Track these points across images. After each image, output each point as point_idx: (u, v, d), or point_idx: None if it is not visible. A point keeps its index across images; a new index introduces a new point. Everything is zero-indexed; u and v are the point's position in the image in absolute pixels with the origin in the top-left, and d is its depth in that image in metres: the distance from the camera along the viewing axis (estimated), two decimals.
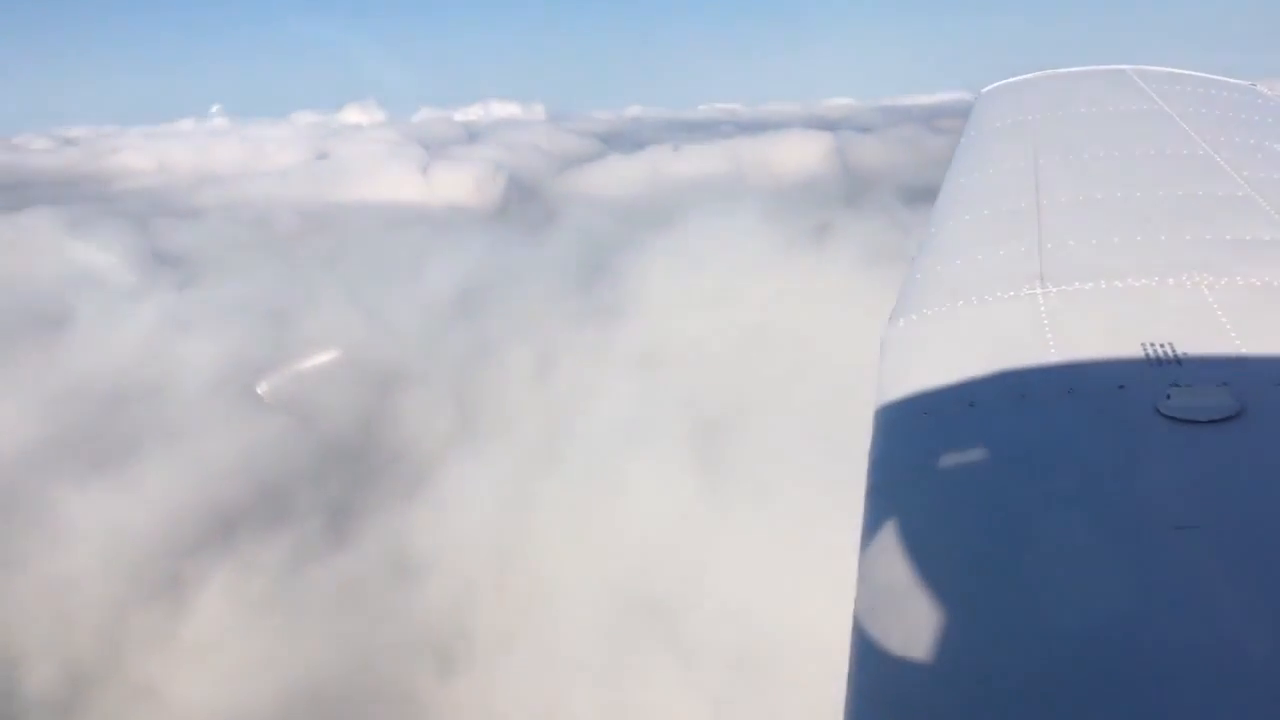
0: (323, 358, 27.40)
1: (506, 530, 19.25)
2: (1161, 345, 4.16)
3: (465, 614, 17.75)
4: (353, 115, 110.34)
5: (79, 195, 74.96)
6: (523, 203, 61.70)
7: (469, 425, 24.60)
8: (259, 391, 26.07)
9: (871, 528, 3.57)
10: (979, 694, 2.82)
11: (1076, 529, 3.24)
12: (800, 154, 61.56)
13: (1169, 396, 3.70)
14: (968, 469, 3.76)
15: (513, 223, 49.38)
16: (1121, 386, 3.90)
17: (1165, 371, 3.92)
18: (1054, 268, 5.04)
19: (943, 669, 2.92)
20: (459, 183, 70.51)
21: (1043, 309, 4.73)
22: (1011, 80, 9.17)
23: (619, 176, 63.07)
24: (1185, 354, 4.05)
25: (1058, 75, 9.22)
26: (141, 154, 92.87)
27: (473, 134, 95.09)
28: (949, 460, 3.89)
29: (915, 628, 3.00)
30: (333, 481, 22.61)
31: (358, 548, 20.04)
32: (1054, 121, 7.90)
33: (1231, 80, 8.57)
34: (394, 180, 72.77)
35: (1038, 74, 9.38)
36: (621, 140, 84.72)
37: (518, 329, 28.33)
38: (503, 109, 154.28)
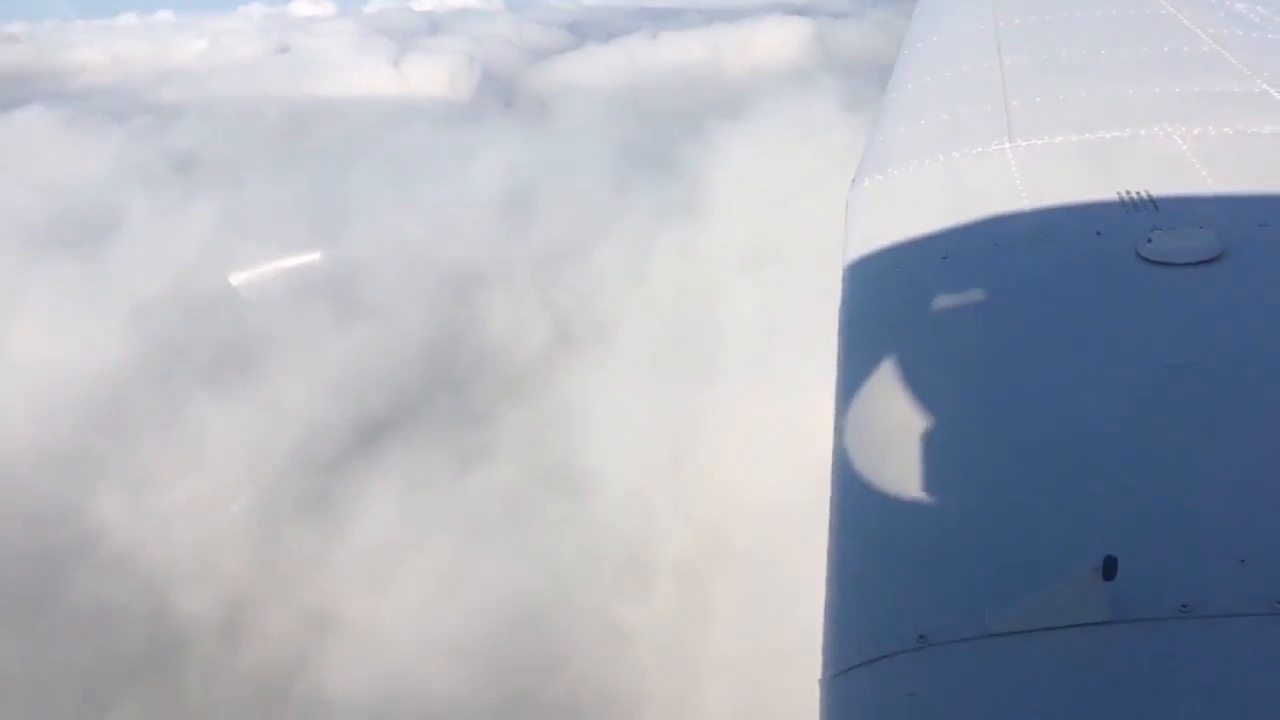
0: (396, 259, 25.89)
1: (663, 439, 18.11)
2: (1138, 193, 4.02)
3: (644, 526, 16.64)
4: (303, 7, 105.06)
5: (42, 93, 70.57)
6: (503, 95, 59.54)
7: (573, 329, 23.35)
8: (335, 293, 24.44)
9: (848, 384, 3.48)
10: (962, 535, 2.80)
11: (1063, 371, 3.20)
12: (781, 41, 59.82)
13: (1149, 240, 3.61)
14: (945, 319, 3.66)
15: (506, 117, 47.34)
16: (1099, 233, 3.82)
17: (1143, 217, 3.84)
18: (1022, 123, 4.98)
19: (924, 516, 2.90)
20: (433, 75, 67.89)
21: (1012, 163, 4.64)
22: None
23: (599, 66, 61.19)
24: (1163, 200, 3.93)
25: None
26: (94, 49, 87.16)
27: (434, 25, 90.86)
28: (924, 311, 3.76)
29: (896, 480, 2.97)
30: (451, 389, 21.36)
31: (505, 459, 18.90)
32: None
33: None
34: (366, 74, 69.68)
35: None
36: (590, 30, 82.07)
37: (581, 227, 26.90)
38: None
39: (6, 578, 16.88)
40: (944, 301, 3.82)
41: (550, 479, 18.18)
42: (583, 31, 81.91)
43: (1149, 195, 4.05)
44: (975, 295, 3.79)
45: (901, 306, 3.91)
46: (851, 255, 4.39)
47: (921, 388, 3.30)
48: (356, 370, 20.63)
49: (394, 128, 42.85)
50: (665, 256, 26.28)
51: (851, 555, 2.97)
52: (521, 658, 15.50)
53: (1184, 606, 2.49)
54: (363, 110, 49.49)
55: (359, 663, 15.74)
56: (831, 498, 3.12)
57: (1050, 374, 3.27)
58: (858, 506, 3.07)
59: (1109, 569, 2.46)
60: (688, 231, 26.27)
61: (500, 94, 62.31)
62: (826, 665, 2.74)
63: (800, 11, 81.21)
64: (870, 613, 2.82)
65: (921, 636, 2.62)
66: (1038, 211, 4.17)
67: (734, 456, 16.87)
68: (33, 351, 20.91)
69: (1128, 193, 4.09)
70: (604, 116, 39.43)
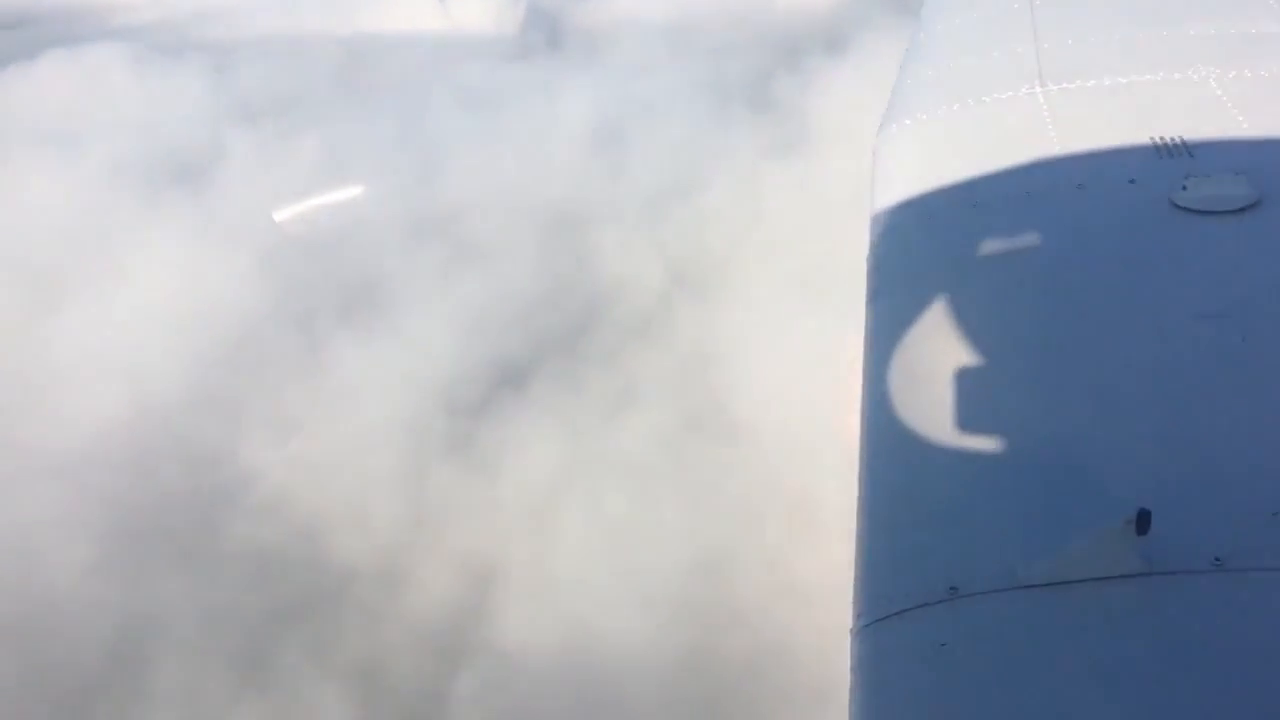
0: (496, 198, 25.10)
1: (810, 381, 17.32)
2: (1172, 139, 3.81)
3: (808, 473, 15.93)
4: None
5: (90, 30, 69.09)
6: (551, 31, 57.98)
7: (690, 269, 22.44)
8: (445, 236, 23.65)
9: (878, 333, 3.34)
10: (993, 486, 2.85)
11: (1095, 322, 3.11)
12: None
13: (1184, 188, 3.42)
14: (975, 267, 3.51)
15: (565, 52, 46.18)
16: (1132, 180, 3.64)
17: (1177, 164, 3.66)
18: (1053, 66, 4.81)
19: (955, 467, 2.93)
20: (480, 11, 65.86)
21: (1044, 107, 4.48)
22: None
23: (644, 2, 59.31)
24: (1198, 146, 3.72)
25: None
26: None
27: None
28: (954, 260, 3.61)
29: (927, 430, 2.95)
30: (577, 331, 20.59)
31: (651, 402, 18.12)
32: None
33: None
34: (408, 10, 67.80)
35: None
36: None
37: (677, 165, 25.95)
38: None
39: (165, 522, 16.31)
40: (974, 250, 3.67)
41: (702, 423, 17.41)
42: None
43: (1184, 141, 3.83)
44: (1006, 244, 3.64)
45: (931, 255, 3.78)
46: (879, 202, 4.22)
47: (952, 337, 3.20)
48: (481, 311, 19.85)
49: (454, 64, 41.71)
50: (774, 192, 25.29)
51: (882, 505, 2.92)
52: (698, 609, 14.90)
53: (1216, 560, 2.37)
54: (416, 47, 48.24)
55: (529, 612, 15.16)
56: (861, 448, 3.06)
57: (1082, 324, 3.16)
58: (889, 457, 3.00)
59: (1142, 522, 2.39)
60: (792, 167, 25.27)
61: (548, 29, 60.73)
62: (857, 615, 2.71)
63: None
64: (901, 563, 2.77)
65: (952, 587, 2.54)
66: (1070, 157, 3.98)
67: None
68: (162, 292, 20.15)
69: (1162, 138, 3.87)
70: (670, 50, 38.24)
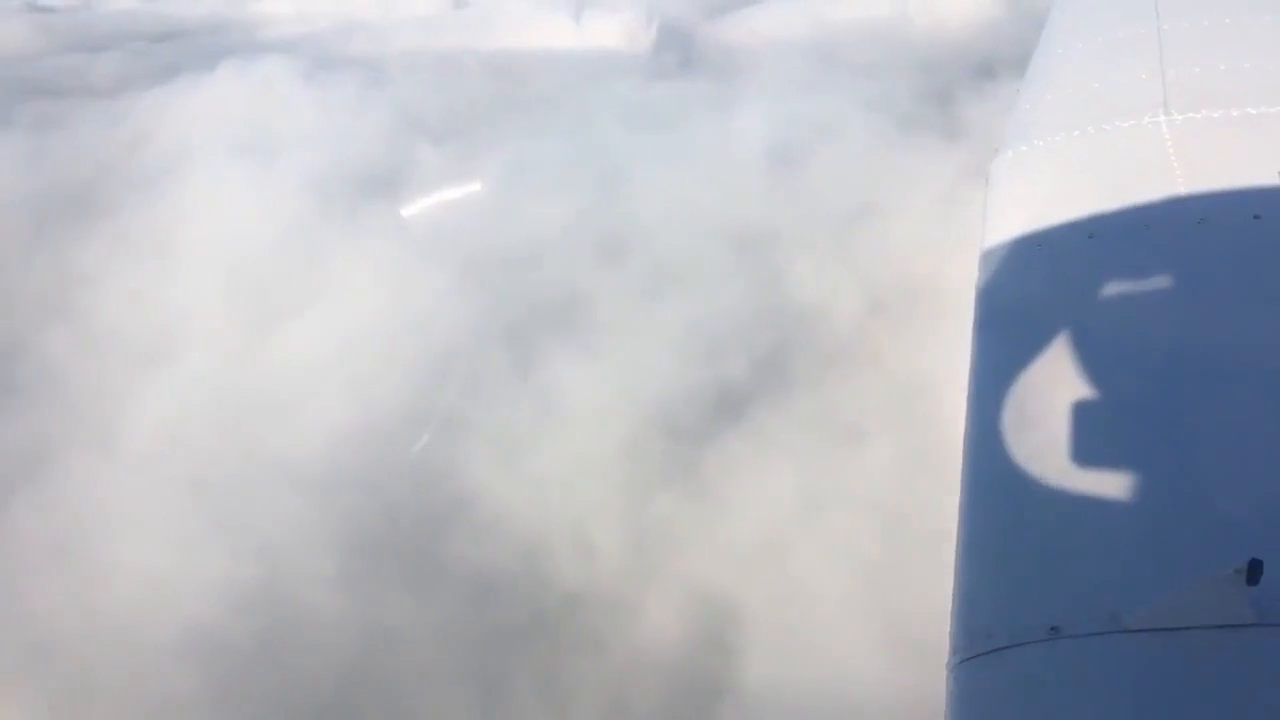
0: (680, 219, 24.37)
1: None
2: None
3: None
4: None
5: (236, 44, 70.90)
6: (686, 50, 57.36)
7: (889, 295, 21.44)
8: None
9: (983, 364, 3.29)
10: (1098, 527, 2.66)
11: (1214, 363, 2.94)
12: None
13: None
14: (1089, 302, 3.36)
15: (710, 73, 45.37)
16: (1257, 216, 3.48)
17: None
18: (1179, 95, 4.50)
19: (1060, 506, 2.75)
20: (613, 30, 65.83)
21: (1167, 137, 4.21)
22: None
23: (781, 20, 58.52)
24: None
25: None
26: (280, 2, 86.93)
27: None
28: (1067, 293, 3.49)
29: (1031, 467, 2.79)
30: (780, 356, 19.69)
31: (872, 433, 17.24)
32: None
33: None
34: (548, 28, 68.05)
35: None
36: None
37: (854, 187, 24.88)
38: None
39: (394, 538, 15.93)
40: (1089, 283, 3.49)
41: (928, 456, 16.34)
42: None
43: None
44: (1123, 278, 3.45)
45: (1042, 286, 3.61)
46: (991, 230, 4.06)
47: (1061, 371, 3.04)
48: (689, 333, 19.17)
49: (606, 81, 41.28)
50: (960, 217, 24.08)
51: (983, 540, 2.78)
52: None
53: None
54: (560, 63, 48.09)
55: (767, 649, 14.35)
56: (962, 484, 2.91)
57: (1200, 365, 3.00)
58: (991, 493, 2.85)
59: (1254, 571, 2.24)
60: (960, 190, 24.26)
61: (681, 47, 60.20)
62: (954, 651, 2.57)
63: None
64: (1001, 601, 2.65)
65: (1053, 628, 2.42)
66: (1193, 194, 3.77)
67: None
68: (373, 306, 19.87)
69: None
70: (818, 68, 37.14)
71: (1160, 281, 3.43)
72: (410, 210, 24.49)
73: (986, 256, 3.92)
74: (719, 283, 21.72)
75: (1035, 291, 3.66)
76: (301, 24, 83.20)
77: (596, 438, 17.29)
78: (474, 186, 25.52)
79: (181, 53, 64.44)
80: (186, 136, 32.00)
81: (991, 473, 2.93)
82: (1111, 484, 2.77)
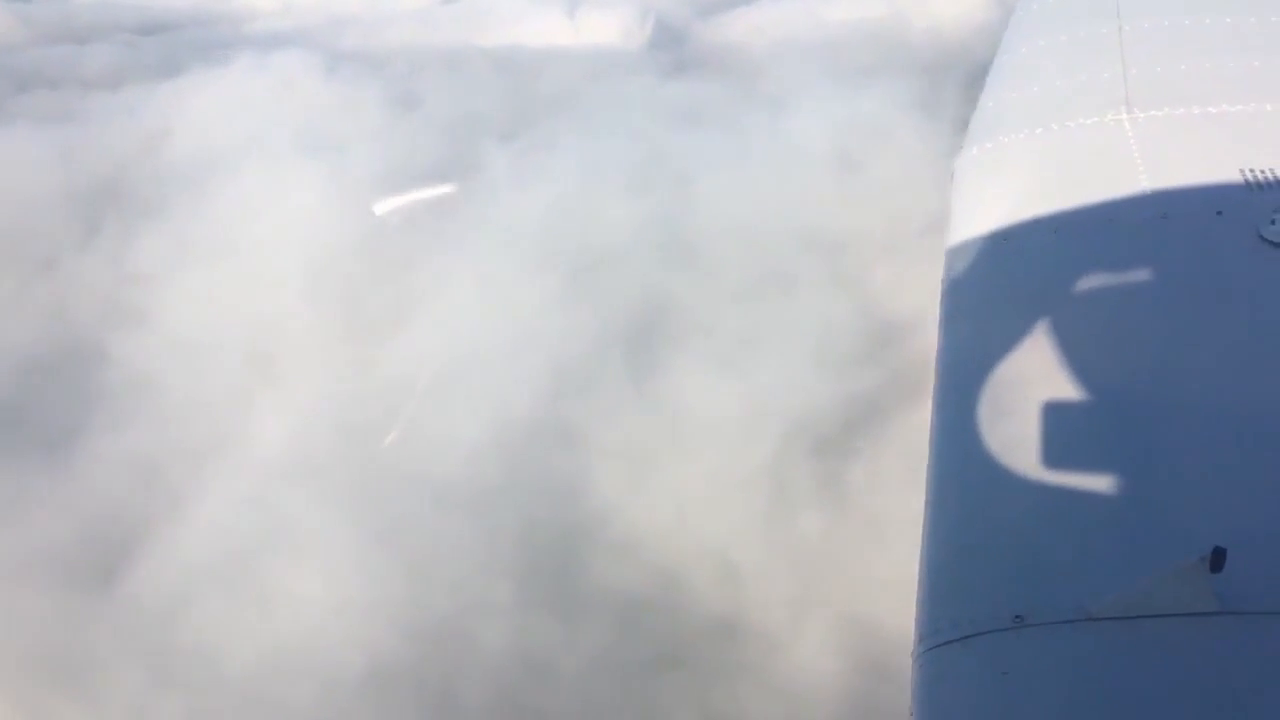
0: (755, 225, 23.58)
1: None
2: (1261, 171, 3.60)
3: None
4: None
5: (224, 36, 68.80)
6: (685, 48, 56.67)
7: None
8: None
9: (949, 357, 3.31)
10: (1062, 517, 2.67)
11: (1176, 355, 3.00)
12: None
13: (1274, 221, 3.25)
14: (1053, 295, 3.37)
15: (711, 70, 44.77)
16: (1220, 212, 3.49)
17: (1267, 197, 3.49)
18: (1141, 93, 4.54)
19: (1024, 496, 2.75)
20: (609, 26, 64.84)
21: (1130, 135, 4.22)
22: None
23: (775, 20, 57.97)
24: None
25: None
26: None
27: None
28: (1031, 286, 3.51)
29: (996, 457, 2.80)
30: (882, 361, 18.94)
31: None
32: None
33: None
34: (542, 24, 66.81)
35: None
36: None
37: (916, 184, 24.21)
38: None
39: (532, 556, 14.93)
40: (1053, 278, 3.43)
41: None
42: None
43: (1273, 173, 3.58)
44: (1086, 272, 3.38)
45: (1007, 280, 3.55)
46: (956, 226, 3.97)
47: (1026, 366, 3.00)
48: (807, 341, 18.26)
49: (621, 81, 40.34)
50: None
51: (947, 530, 2.77)
52: None
53: None
54: (567, 62, 47.06)
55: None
56: (928, 475, 2.90)
57: (1163, 357, 2.97)
58: (956, 485, 2.83)
59: (1217, 559, 2.27)
60: None
61: (676, 46, 59.28)
62: (919, 639, 2.56)
63: None
64: (966, 589, 2.64)
65: (1018, 616, 2.44)
66: (1156, 190, 3.72)
67: None
68: (477, 314, 18.69)
69: (1250, 171, 3.60)
70: (823, 72, 36.44)
71: (1124, 276, 3.39)
72: (487, 209, 23.27)
73: (952, 253, 3.87)
74: (819, 288, 20.76)
75: (1000, 286, 3.63)
76: (288, 18, 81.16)
77: (731, 453, 16.27)
78: (544, 185, 24.32)
79: (173, 45, 62.38)
80: (222, 131, 30.50)
81: (957, 464, 2.90)
82: (1076, 474, 2.77)
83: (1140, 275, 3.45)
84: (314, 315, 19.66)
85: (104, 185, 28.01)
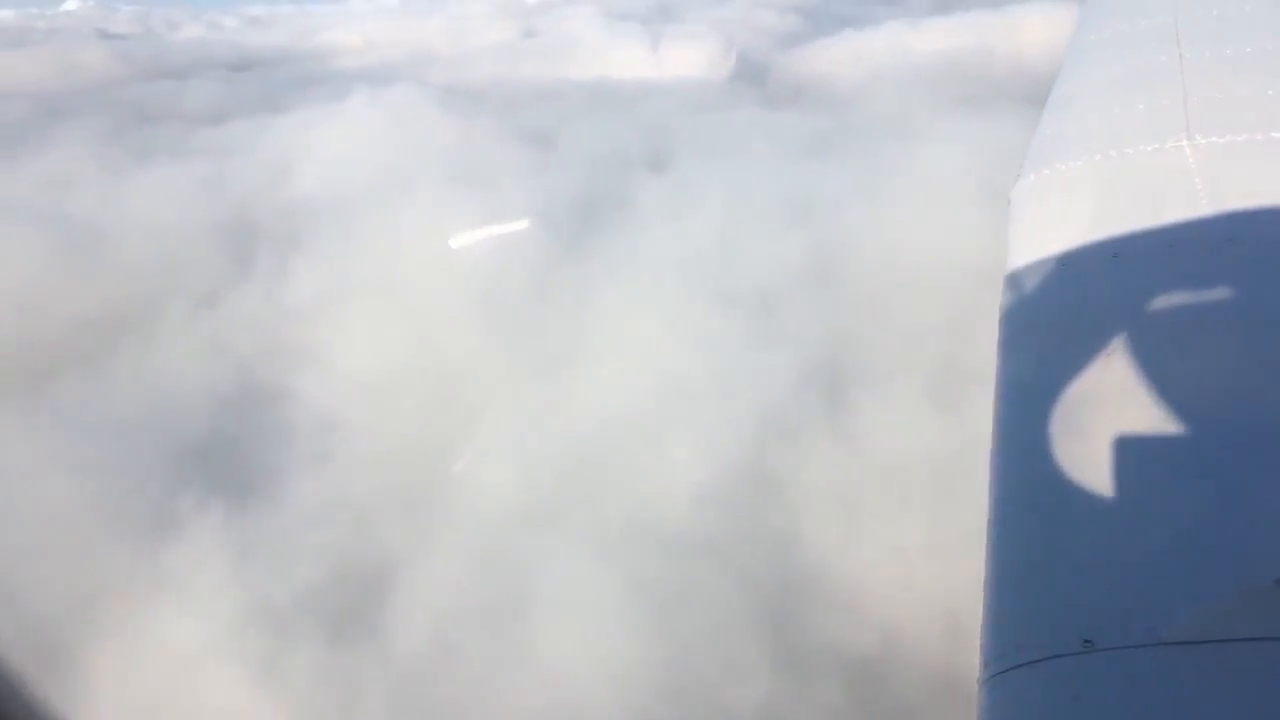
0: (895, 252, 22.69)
1: None
2: None
3: None
4: None
5: (310, 73, 69.23)
6: (768, 83, 55.87)
7: None
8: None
9: (1009, 381, 3.21)
10: (1131, 540, 2.54)
11: (1241, 381, 2.83)
12: (1050, 28, 54.83)
13: None
14: (1113, 320, 3.28)
15: (805, 102, 43.75)
16: None
17: None
18: (1202, 119, 4.42)
19: (1092, 519, 2.63)
20: (694, 59, 64.38)
21: (1191, 161, 4.16)
22: None
23: (860, 53, 56.94)
24: None
25: None
26: (344, 32, 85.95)
27: (661, 8, 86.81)
28: (1092, 311, 3.41)
29: (1062, 480, 2.67)
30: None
31: None
32: None
33: None
34: (627, 57, 66.58)
35: None
36: (823, 16, 77.65)
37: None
38: None
39: (756, 611, 14.04)
40: (1114, 301, 3.38)
41: None
42: (817, 19, 77.46)
43: None
44: (1147, 297, 3.32)
45: (1066, 305, 3.50)
46: (1014, 253, 3.92)
47: (1089, 389, 2.94)
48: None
49: (722, 113, 39.56)
50: None
51: (1013, 553, 2.72)
52: None
53: None
54: (663, 94, 46.49)
55: None
56: (990, 500, 2.83)
57: (1229, 381, 2.85)
58: (1020, 509, 2.76)
59: None
60: None
61: (759, 80, 58.62)
62: (985, 665, 2.50)
63: None
64: (1032, 614, 2.56)
65: (1087, 640, 2.35)
66: (1219, 216, 3.60)
67: None
68: (661, 354, 17.82)
69: None
70: (929, 102, 35.36)
71: (1187, 300, 3.33)
72: (647, 241, 22.49)
73: (1011, 279, 3.82)
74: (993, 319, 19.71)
75: (1061, 310, 3.56)
76: (372, 53, 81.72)
77: (949, 497, 15.21)
78: (699, 219, 23.56)
79: (268, 81, 62.69)
80: (355, 165, 30.06)
81: (1021, 488, 2.82)
82: (1143, 498, 2.65)
83: (1204, 299, 3.35)
84: (494, 353, 18.79)
85: (243, 219, 27.72)
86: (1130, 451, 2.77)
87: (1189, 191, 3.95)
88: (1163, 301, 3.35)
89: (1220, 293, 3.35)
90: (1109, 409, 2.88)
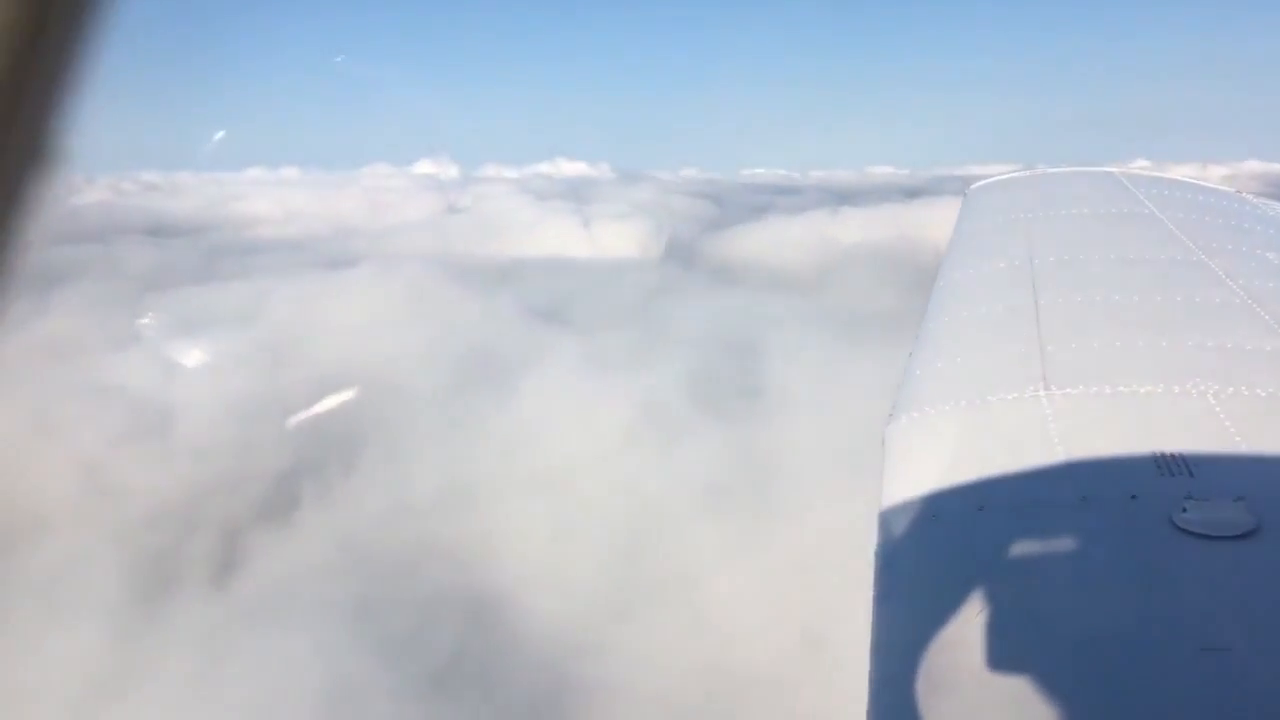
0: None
1: None
2: (1172, 455, 3.82)
3: None
4: (424, 168, 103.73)
5: (222, 242, 67.59)
6: (698, 264, 58.25)
7: None
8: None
9: (883, 634, 3.34)
10: None
11: (1094, 642, 2.98)
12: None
13: (1184, 510, 3.42)
14: (980, 576, 3.44)
15: (741, 280, 46.25)
16: (1134, 496, 3.61)
17: (1178, 483, 3.64)
18: (1057, 370, 4.75)
19: None
20: (625, 238, 66.58)
21: (1048, 412, 4.42)
22: (1000, 177, 9.02)
23: (785, 239, 60.66)
24: (1197, 464, 3.74)
25: (1047, 175, 8.95)
26: (264, 202, 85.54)
27: (575, 191, 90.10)
28: (960, 566, 3.57)
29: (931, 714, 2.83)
30: None
31: None
32: (1047, 220, 7.52)
33: (1217, 186, 8.46)
34: (558, 234, 68.28)
35: (1026, 172, 9.22)
36: (732, 204, 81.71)
37: None
38: (572, 167, 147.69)
39: None
40: (979, 556, 3.56)
41: None
42: (728, 205, 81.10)
43: (1183, 458, 3.79)
44: (1010, 553, 3.53)
45: (936, 558, 3.68)
46: (888, 495, 4.13)
47: (954, 642, 3.07)
48: None
49: (637, 289, 41.38)
50: None
51: None
52: None
53: None
54: (586, 271, 48.14)
55: None
56: None
57: (1082, 643, 2.98)
58: None
59: None
60: None
61: (692, 261, 60.75)
62: None
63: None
64: None
65: None
66: (1074, 466, 3.90)
67: None
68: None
69: (1162, 453, 3.83)
70: (868, 286, 38.23)
71: (1046, 558, 3.49)
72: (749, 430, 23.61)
73: (885, 521, 3.97)
74: None
75: (929, 563, 3.66)
76: (293, 224, 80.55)
77: None
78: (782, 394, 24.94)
79: (191, 249, 60.68)
80: (388, 339, 30.45)
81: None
82: None
83: (1061, 558, 3.52)
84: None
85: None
86: (988, 709, 2.88)
87: (1047, 444, 4.17)
88: (1021, 560, 3.53)
89: (1075, 553, 3.53)
90: (970, 665, 2.98)
